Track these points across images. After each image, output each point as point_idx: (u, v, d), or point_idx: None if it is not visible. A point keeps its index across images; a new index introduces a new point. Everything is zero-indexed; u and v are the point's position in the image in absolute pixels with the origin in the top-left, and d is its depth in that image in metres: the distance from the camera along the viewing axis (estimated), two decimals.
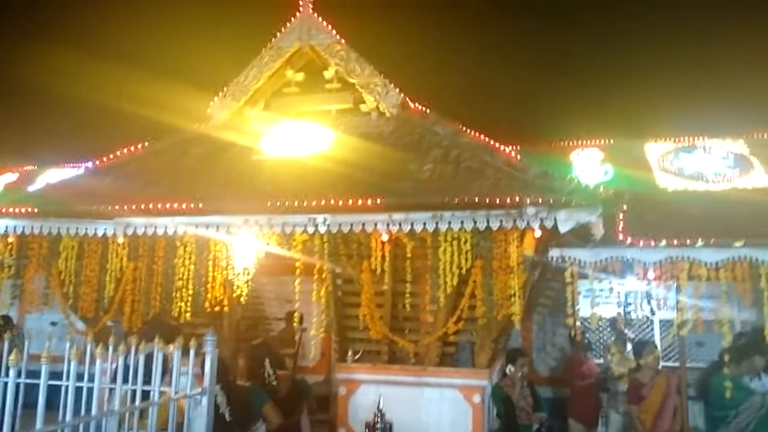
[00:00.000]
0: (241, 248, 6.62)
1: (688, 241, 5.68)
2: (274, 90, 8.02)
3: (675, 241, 5.71)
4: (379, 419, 6.00)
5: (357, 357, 7.00)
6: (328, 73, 7.78)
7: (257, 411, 4.30)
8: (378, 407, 6.05)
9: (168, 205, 6.30)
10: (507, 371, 5.38)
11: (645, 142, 8.55)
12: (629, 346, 6.67)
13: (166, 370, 3.22)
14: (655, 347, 6.11)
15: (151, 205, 6.33)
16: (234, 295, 6.75)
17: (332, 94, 7.79)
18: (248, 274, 6.70)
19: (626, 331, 7.02)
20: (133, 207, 6.36)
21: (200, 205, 6.23)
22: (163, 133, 8.10)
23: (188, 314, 6.57)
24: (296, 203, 5.95)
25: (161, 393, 3.04)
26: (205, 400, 3.23)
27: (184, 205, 6.26)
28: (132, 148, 7.75)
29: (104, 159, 7.61)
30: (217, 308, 6.80)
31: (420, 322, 6.91)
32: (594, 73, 15.70)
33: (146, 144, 7.82)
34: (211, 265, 6.62)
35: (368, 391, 6.52)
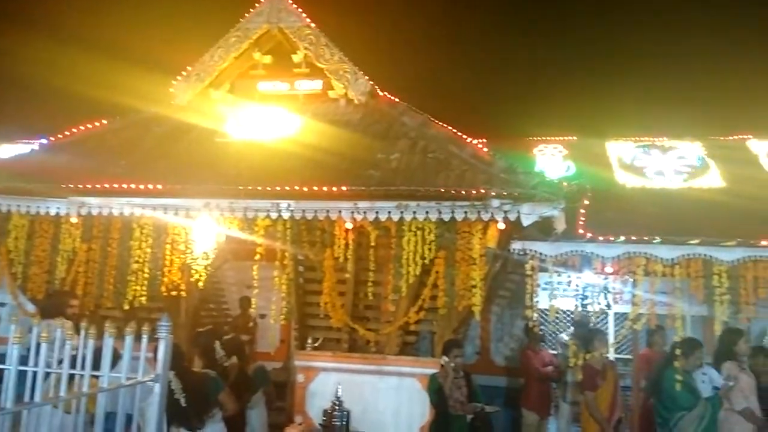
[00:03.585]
0: (201, 232, 6.48)
1: (645, 238, 5.84)
2: (241, 72, 7.85)
3: (633, 238, 5.87)
4: (337, 407, 6.00)
5: (316, 344, 6.95)
6: (297, 57, 7.65)
7: (213, 398, 4.22)
8: (336, 395, 6.04)
9: (125, 186, 6.11)
10: (442, 362, 5.42)
11: (606, 140, 8.74)
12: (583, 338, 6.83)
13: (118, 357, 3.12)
14: (606, 336, 6.27)
15: (107, 185, 6.13)
16: (192, 279, 6.59)
17: (300, 78, 7.67)
18: (207, 258, 6.56)
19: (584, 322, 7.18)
20: (89, 186, 6.15)
21: (159, 186, 6.07)
22: (122, 112, 7.83)
23: (143, 298, 6.40)
24: (260, 188, 5.86)
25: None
26: (157, 387, 3.13)
27: (142, 186, 6.09)
28: (89, 126, 7.48)
29: (59, 136, 7.32)
30: (173, 293, 6.63)
31: (381, 311, 6.91)
32: (560, 72, 15.97)
33: (104, 122, 7.55)
34: (169, 248, 6.46)
35: (327, 379, 6.49)
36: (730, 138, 8.65)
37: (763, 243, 5.78)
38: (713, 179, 7.44)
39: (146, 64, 10.26)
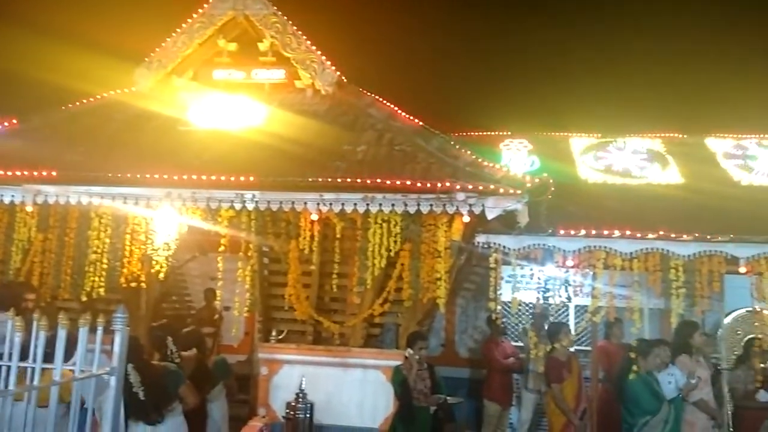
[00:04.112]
0: (162, 222, 6.34)
1: (605, 232, 5.97)
2: (205, 59, 7.68)
3: (593, 232, 5.99)
4: (300, 399, 5.98)
5: (281, 337, 6.91)
6: (263, 46, 7.53)
7: (173, 391, 4.15)
8: (300, 388, 6.01)
9: (84, 174, 5.94)
10: (406, 354, 5.45)
11: (570, 136, 8.88)
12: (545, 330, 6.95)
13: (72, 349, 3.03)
14: (569, 329, 6.40)
15: (64, 173, 5.95)
16: (152, 270, 6.46)
17: (266, 67, 7.55)
18: (169, 249, 6.43)
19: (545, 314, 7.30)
20: (44, 173, 5.96)
21: (119, 175, 5.91)
22: (81, 98, 7.58)
23: (102, 289, 6.24)
24: (223, 178, 5.76)
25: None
26: (113, 380, 3.06)
27: (101, 174, 5.92)
28: (46, 112, 7.23)
29: (14, 122, 7.05)
30: (133, 284, 6.49)
31: (347, 304, 6.91)
32: (527, 68, 16.15)
33: (62, 108, 7.31)
34: (129, 238, 6.31)
35: (291, 372, 6.46)
36: (690, 135, 8.88)
37: (718, 238, 5.96)
38: (672, 175, 7.64)
39: (107, 49, 9.96)
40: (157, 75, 7.53)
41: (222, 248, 6.12)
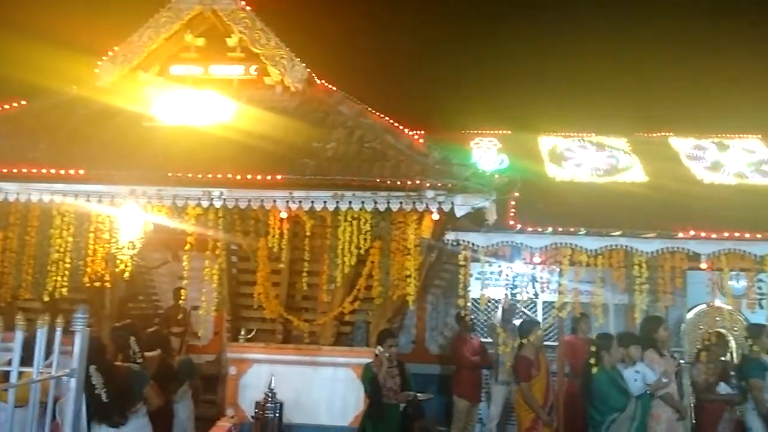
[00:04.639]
0: (127, 220, 6.22)
1: (571, 229, 6.07)
2: (171, 54, 7.54)
3: (559, 229, 6.08)
4: (270, 399, 5.93)
5: (250, 336, 6.85)
6: (231, 41, 7.43)
7: (137, 392, 4.07)
8: (269, 387, 5.97)
9: (45, 171, 5.79)
10: (376, 351, 5.47)
11: (539, 135, 8.99)
12: (515, 326, 7.03)
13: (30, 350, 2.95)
14: (540, 326, 6.47)
15: (25, 170, 5.79)
16: (117, 270, 6.32)
17: (235, 63, 7.45)
18: (134, 248, 6.30)
19: (513, 310, 7.39)
20: (5, 170, 5.79)
21: (82, 171, 5.78)
22: (43, 93, 7.38)
23: (64, 289, 6.09)
24: (190, 175, 5.68)
25: (22, 374, 2.79)
26: (73, 382, 2.99)
27: (63, 171, 5.78)
28: (6, 107, 7.01)
29: None
30: (97, 284, 6.35)
31: (317, 302, 6.87)
32: (497, 67, 16.30)
33: (23, 103, 7.10)
34: (92, 237, 6.16)
35: (260, 371, 6.41)
36: (654, 135, 9.08)
37: (680, 235, 6.11)
38: (637, 174, 7.80)
39: (69, 43, 9.71)
40: (121, 70, 7.37)
41: (189, 247, 6.03)
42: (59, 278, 6.12)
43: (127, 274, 6.31)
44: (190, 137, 6.37)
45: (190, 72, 7.42)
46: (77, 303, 6.16)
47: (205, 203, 5.75)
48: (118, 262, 6.25)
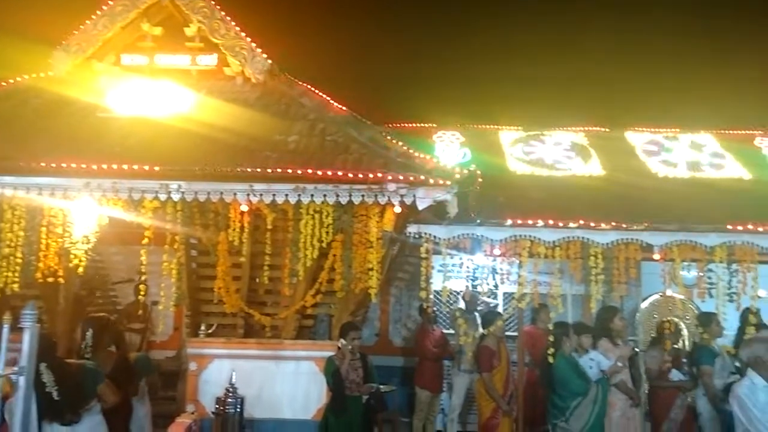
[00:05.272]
0: (82, 214, 6.05)
1: (530, 222, 6.18)
2: (127, 43, 7.34)
3: (519, 221, 6.18)
4: (230, 394, 5.88)
5: (210, 331, 6.76)
6: (190, 31, 7.27)
7: (91, 389, 3.96)
8: (230, 382, 5.91)
9: None
10: (339, 344, 5.48)
11: (500, 129, 9.10)
12: (477, 317, 7.13)
13: None
14: (502, 316, 6.58)
15: None
16: (71, 265, 6.15)
17: (193, 53, 7.31)
18: (88, 242, 6.13)
19: (474, 302, 7.48)
20: None
21: (33, 164, 5.59)
22: None
23: (15, 285, 5.89)
24: (147, 167, 5.56)
25: None
26: (22, 380, 2.90)
27: (14, 163, 5.58)
28: None
29: None
30: (50, 279, 6.16)
31: (279, 295, 6.83)
32: (458, 62, 16.39)
33: None
34: (45, 231, 5.98)
35: (221, 367, 6.34)
36: (611, 130, 9.28)
37: (634, 227, 6.28)
38: (594, 167, 7.97)
39: (20, 31, 9.36)
40: (75, 59, 7.15)
41: (146, 241, 5.90)
42: (10, 274, 5.91)
43: (81, 269, 6.14)
44: (147, 129, 6.23)
45: (147, 62, 7.25)
46: (29, 299, 6.02)
47: (162, 196, 5.64)
48: (71, 256, 6.07)
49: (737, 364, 5.06)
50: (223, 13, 7.14)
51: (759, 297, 6.42)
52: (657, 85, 14.86)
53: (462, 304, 7.43)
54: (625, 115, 10.92)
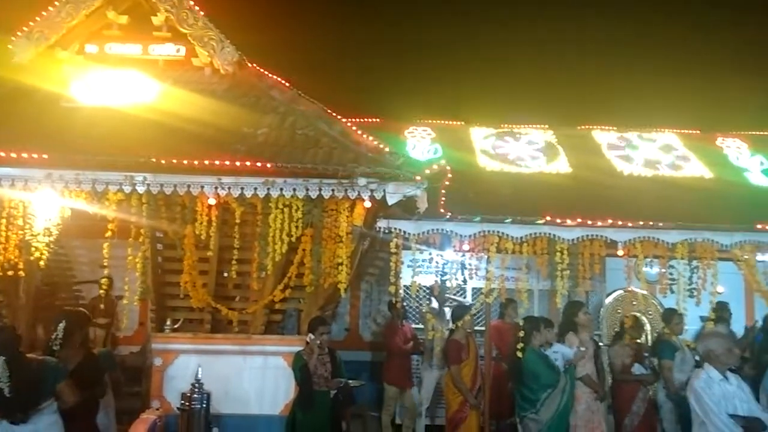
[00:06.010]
0: (43, 206, 5.88)
1: (498, 218, 6.24)
2: (92, 31, 7.17)
3: (487, 217, 6.24)
4: (196, 389, 5.80)
5: (176, 326, 6.66)
6: (157, 20, 7.13)
7: (50, 387, 3.83)
8: (196, 377, 5.83)
9: None
10: (308, 339, 5.47)
11: (471, 126, 9.17)
12: (446, 311, 7.18)
13: None
14: (471, 311, 6.65)
15: None
16: (32, 258, 5.98)
17: (160, 42, 7.16)
18: (50, 235, 5.97)
19: (443, 297, 7.53)
20: None
21: None
22: None
23: None
24: (111, 159, 5.43)
25: None
26: None
27: None
28: None
29: None
30: (10, 272, 5.98)
31: (247, 290, 6.76)
32: (432, 59, 16.47)
33: None
34: (5, 223, 5.80)
35: (187, 362, 6.24)
36: (578, 128, 9.43)
37: (599, 223, 6.40)
38: (562, 164, 8.10)
39: None
40: (38, 47, 6.95)
41: (110, 234, 5.78)
42: None
43: (42, 263, 5.98)
44: (112, 119, 6.09)
45: (113, 51, 7.09)
46: None
47: (127, 188, 5.52)
48: (33, 249, 5.90)
49: (697, 358, 5.20)
50: (191, 3, 7.02)
51: (718, 293, 6.62)
52: (625, 85, 15.17)
53: (435, 304, 7.46)
54: (594, 114, 11.11)
